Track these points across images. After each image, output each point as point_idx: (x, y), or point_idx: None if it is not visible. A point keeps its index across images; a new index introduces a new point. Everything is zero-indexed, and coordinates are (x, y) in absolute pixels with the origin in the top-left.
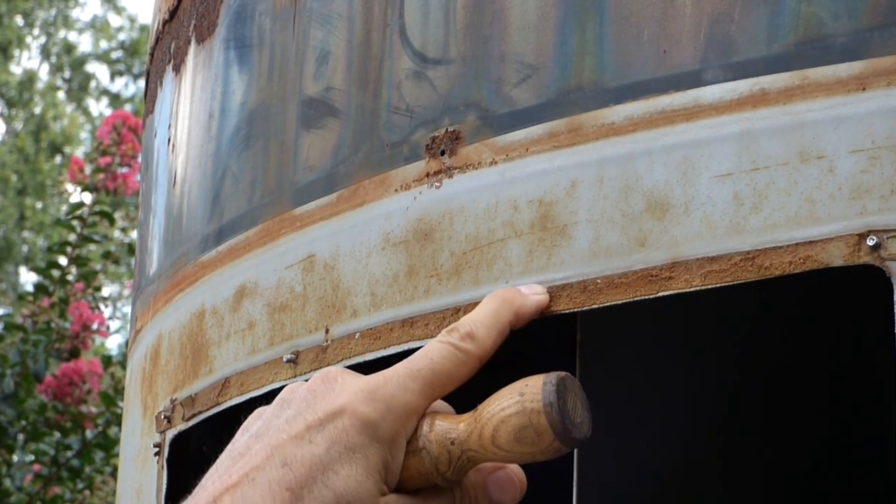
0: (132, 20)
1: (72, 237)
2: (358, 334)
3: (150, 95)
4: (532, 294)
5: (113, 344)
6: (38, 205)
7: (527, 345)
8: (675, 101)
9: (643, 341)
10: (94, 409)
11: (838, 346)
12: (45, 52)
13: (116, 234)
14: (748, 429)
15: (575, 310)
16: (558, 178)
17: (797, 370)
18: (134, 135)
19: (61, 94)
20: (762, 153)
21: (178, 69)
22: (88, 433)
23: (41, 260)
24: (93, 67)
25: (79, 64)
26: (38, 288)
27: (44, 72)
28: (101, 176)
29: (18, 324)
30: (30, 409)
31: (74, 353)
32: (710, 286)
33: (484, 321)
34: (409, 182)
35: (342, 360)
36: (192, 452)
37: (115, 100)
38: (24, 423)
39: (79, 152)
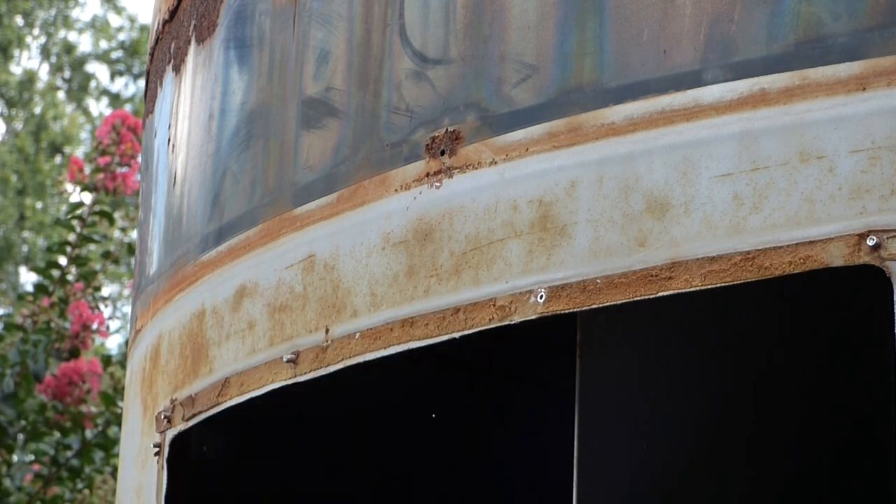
0: (132, 20)
1: (71, 237)
2: (358, 334)
3: (150, 95)
4: None
5: (113, 344)
6: (38, 205)
7: (527, 345)
8: (675, 101)
9: (643, 341)
10: (93, 409)
11: (838, 346)
12: (45, 52)
13: (116, 233)
14: (747, 428)
15: (575, 310)
16: (558, 178)
17: (797, 370)
18: (133, 134)
19: (61, 94)
20: (762, 153)
21: (178, 69)
22: (88, 433)
23: (41, 260)
24: (93, 67)
25: (79, 64)
26: (38, 288)
27: (44, 72)
28: (101, 176)
29: (18, 324)
30: (30, 408)
31: (74, 353)
32: (710, 286)
33: None
34: (409, 182)
35: (342, 360)
36: (192, 452)
37: (115, 100)
38: (23, 422)
39: (79, 152)
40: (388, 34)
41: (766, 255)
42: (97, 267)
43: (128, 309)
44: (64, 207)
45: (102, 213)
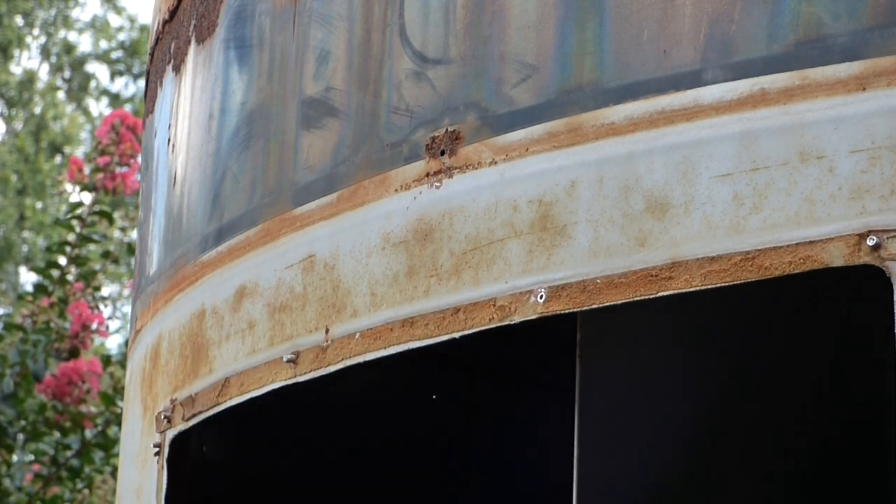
0: (132, 20)
1: (71, 237)
2: (358, 334)
3: (150, 95)
4: None
5: (113, 344)
6: (38, 205)
7: (527, 345)
8: (674, 101)
9: (643, 341)
10: (93, 409)
11: (838, 346)
12: (45, 52)
13: (116, 233)
14: (747, 428)
15: (575, 310)
16: (558, 178)
17: (797, 370)
18: (133, 134)
19: (61, 94)
20: (762, 153)
21: (178, 69)
22: (88, 433)
23: (41, 260)
24: (93, 67)
25: (79, 64)
26: (38, 288)
27: (44, 72)
28: (101, 176)
29: (18, 324)
30: (29, 408)
31: (74, 353)
32: (710, 286)
33: None
34: (409, 182)
35: (342, 360)
36: (192, 452)
37: (115, 100)
38: (23, 422)
39: (79, 152)
40: (388, 34)
41: (766, 255)
42: (97, 267)
43: (128, 309)
44: (64, 207)
45: (102, 213)
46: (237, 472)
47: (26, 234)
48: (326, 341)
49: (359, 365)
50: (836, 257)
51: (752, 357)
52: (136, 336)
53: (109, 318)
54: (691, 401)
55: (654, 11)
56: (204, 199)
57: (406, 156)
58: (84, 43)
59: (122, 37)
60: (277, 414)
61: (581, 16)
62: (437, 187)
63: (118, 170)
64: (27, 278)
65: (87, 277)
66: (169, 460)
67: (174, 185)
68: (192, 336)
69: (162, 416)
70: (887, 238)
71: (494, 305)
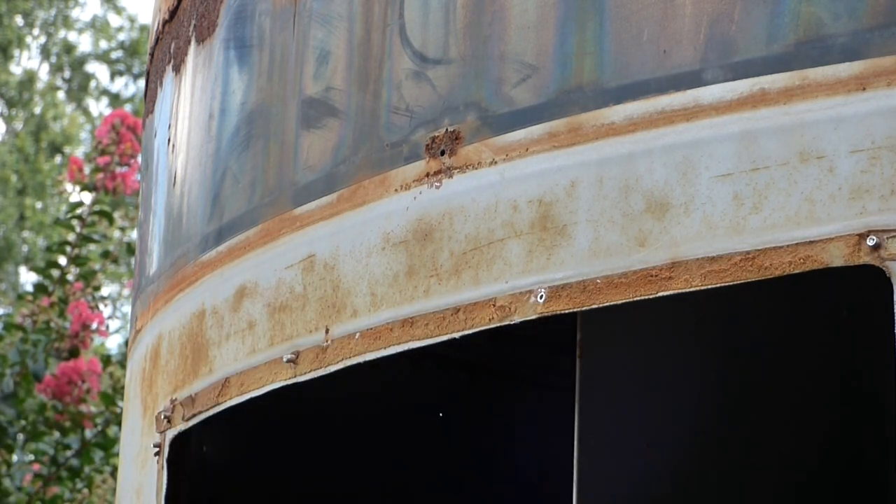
0: (132, 20)
1: (71, 237)
2: (358, 334)
3: (150, 95)
4: None
5: (112, 344)
6: (38, 205)
7: (527, 345)
8: (674, 101)
9: (643, 341)
10: (93, 409)
11: (838, 346)
12: (45, 52)
13: (116, 233)
14: (747, 428)
15: (575, 310)
16: (558, 178)
17: (797, 370)
18: (133, 134)
19: (61, 94)
20: (762, 153)
21: (178, 69)
22: (88, 433)
23: (41, 260)
24: (93, 67)
25: (79, 64)
26: (38, 288)
27: (44, 72)
28: (101, 175)
29: (18, 323)
30: (29, 408)
31: (74, 353)
32: (710, 286)
33: None
34: (409, 182)
35: (342, 360)
36: (192, 452)
37: (115, 100)
38: (23, 422)
39: (79, 152)
40: (388, 34)
41: (766, 255)
42: (97, 267)
43: (128, 309)
44: (64, 207)
45: (102, 213)
46: (237, 472)
47: (26, 234)
48: (326, 341)
49: (359, 365)
50: (836, 257)
51: (753, 357)
52: (136, 336)
53: (109, 317)
54: (691, 401)
55: (654, 11)
56: (204, 199)
57: (406, 156)
58: (84, 43)
59: (122, 37)
60: (277, 414)
61: (581, 16)
62: (437, 187)
63: (118, 170)
64: (27, 278)
65: (87, 277)
66: (169, 460)
67: (174, 185)
68: (192, 336)
69: (162, 416)
70: (887, 238)
71: (494, 305)
